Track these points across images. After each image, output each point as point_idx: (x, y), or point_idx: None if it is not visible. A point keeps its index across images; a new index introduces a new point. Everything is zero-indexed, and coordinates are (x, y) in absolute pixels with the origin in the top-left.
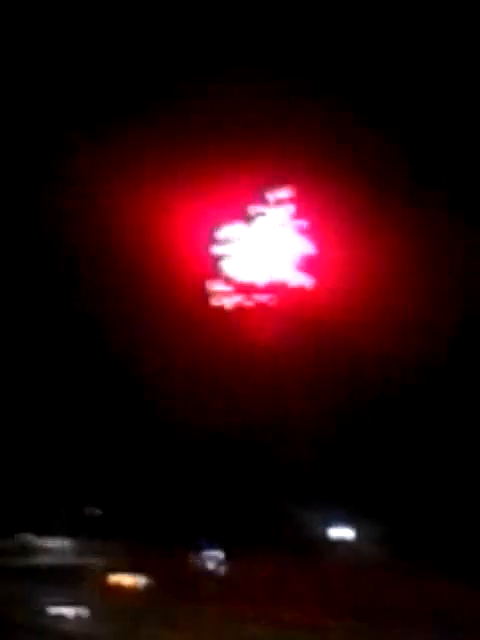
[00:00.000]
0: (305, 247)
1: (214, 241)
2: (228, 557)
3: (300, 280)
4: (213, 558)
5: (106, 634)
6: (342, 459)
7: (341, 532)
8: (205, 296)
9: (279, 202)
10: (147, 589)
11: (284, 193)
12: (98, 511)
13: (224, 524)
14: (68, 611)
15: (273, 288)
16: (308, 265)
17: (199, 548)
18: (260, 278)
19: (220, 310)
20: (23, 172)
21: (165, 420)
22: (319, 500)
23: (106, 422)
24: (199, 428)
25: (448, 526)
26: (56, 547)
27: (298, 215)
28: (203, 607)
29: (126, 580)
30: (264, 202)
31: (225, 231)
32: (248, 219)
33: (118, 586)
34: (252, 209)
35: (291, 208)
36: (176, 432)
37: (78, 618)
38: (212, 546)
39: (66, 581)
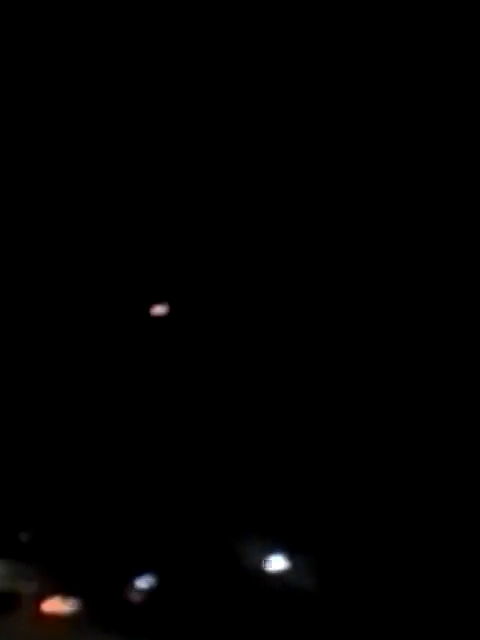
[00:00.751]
0: None
1: None
2: (159, 586)
3: None
4: (143, 587)
5: None
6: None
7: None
8: None
9: None
10: (79, 616)
11: None
12: (25, 535)
13: (157, 552)
14: None
15: None
16: None
17: (131, 578)
18: None
19: None
20: None
21: (100, 437)
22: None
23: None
24: (133, 456)
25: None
26: None
27: None
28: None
29: (61, 607)
30: None
31: None
32: None
33: (53, 613)
34: None
35: None
36: (112, 452)
37: None
38: (143, 574)
39: None
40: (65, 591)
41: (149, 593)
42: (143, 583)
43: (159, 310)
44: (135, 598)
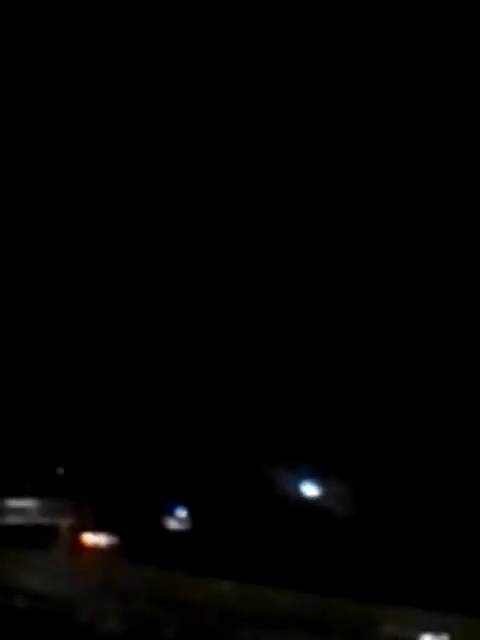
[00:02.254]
0: None
1: None
2: (193, 515)
3: None
4: (178, 517)
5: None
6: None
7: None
8: None
9: None
10: (114, 548)
11: None
12: (61, 470)
13: (191, 481)
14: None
15: None
16: None
17: (165, 509)
18: None
19: None
20: None
21: (129, 381)
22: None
23: (72, 382)
24: (164, 387)
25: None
26: (24, 507)
27: None
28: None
29: (96, 539)
30: None
31: None
32: None
33: (89, 545)
34: None
35: None
36: (142, 391)
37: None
38: (177, 505)
39: (36, 540)
40: (101, 524)
41: (184, 523)
42: (178, 514)
43: None
44: (170, 528)
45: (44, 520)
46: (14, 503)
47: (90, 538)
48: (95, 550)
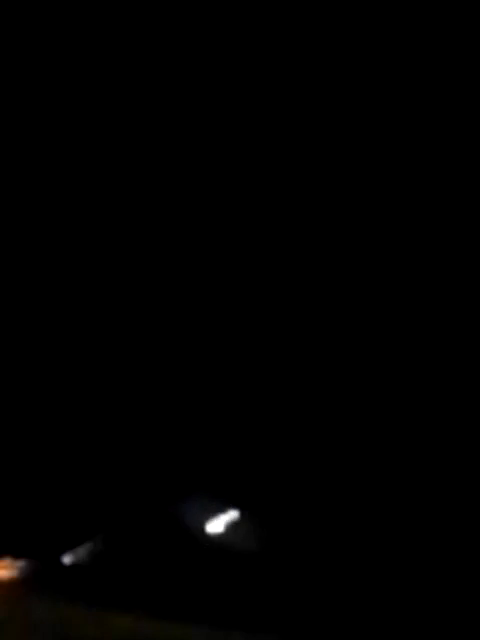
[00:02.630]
0: None
1: None
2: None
3: None
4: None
5: None
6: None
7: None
8: None
9: None
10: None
11: None
12: None
13: (101, 514)
14: None
15: None
16: None
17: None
18: None
19: None
20: None
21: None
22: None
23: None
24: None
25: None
26: None
27: None
28: None
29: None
30: None
31: None
32: None
33: None
34: None
35: None
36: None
37: None
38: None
39: None
40: (9, 555)
41: (92, 556)
42: (86, 547)
43: None
44: (78, 562)
45: None
46: None
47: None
48: (3, 582)
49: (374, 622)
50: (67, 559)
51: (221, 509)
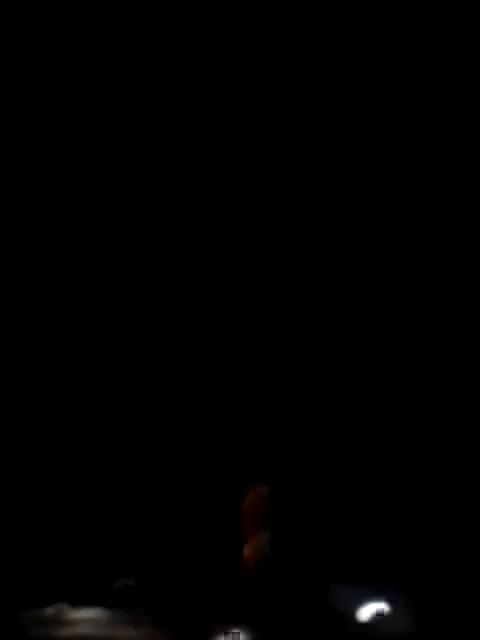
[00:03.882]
0: None
1: None
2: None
3: None
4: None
5: None
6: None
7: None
8: None
9: None
10: None
11: None
12: (131, 582)
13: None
14: None
15: None
16: None
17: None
18: None
19: None
20: None
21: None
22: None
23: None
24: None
25: None
26: (90, 617)
27: None
28: None
29: None
30: None
31: None
32: None
33: None
34: None
35: None
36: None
37: None
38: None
39: None
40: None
41: None
42: (237, 632)
43: None
44: None
45: (116, 632)
46: (81, 613)
47: None
48: None
49: None
50: None
51: (369, 596)
